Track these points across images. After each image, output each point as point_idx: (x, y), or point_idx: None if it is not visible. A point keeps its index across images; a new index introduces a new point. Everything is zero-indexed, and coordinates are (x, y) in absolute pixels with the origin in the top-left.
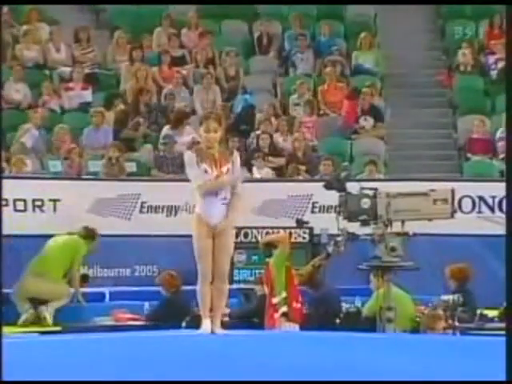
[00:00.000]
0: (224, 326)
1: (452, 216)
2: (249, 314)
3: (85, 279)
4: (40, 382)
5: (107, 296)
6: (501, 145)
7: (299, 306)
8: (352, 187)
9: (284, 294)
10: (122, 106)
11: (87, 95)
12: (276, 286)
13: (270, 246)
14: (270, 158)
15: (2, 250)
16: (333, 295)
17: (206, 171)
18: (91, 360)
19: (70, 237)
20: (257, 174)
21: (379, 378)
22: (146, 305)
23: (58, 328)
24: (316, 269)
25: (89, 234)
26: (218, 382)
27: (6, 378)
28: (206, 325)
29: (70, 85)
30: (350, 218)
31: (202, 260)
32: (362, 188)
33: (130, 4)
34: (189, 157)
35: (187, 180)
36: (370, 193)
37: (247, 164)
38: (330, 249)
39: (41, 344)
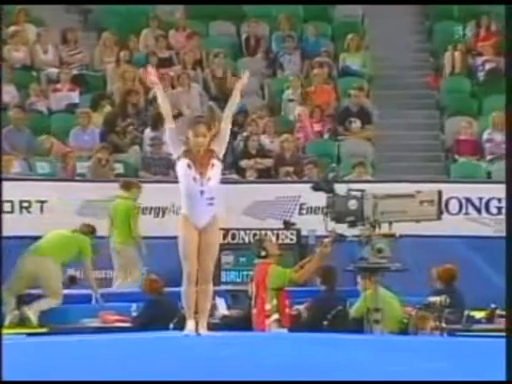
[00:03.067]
0: (213, 327)
1: (439, 218)
2: (241, 320)
3: (72, 281)
4: (39, 381)
5: (94, 297)
6: (488, 146)
7: (288, 310)
8: (339, 188)
9: (275, 302)
10: (109, 108)
11: (74, 97)
12: (269, 294)
13: (261, 246)
14: (258, 160)
15: (1, 251)
16: (338, 296)
17: (188, 166)
18: (78, 361)
19: (74, 235)
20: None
21: (366, 379)
22: (134, 306)
23: (44, 329)
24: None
25: (88, 230)
26: (210, 383)
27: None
28: (191, 325)
29: (58, 86)
30: (338, 219)
31: (188, 261)
32: (350, 189)
33: (117, 4)
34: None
35: (174, 181)
36: (358, 194)
37: (234, 166)
38: (318, 250)
39: (28, 345)
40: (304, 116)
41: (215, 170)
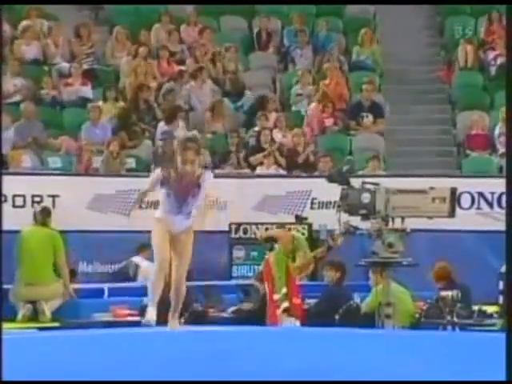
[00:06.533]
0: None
1: (451, 215)
2: (251, 312)
3: (72, 275)
4: (40, 382)
5: (106, 292)
6: (500, 141)
7: (299, 301)
8: (353, 181)
9: (284, 290)
10: (121, 102)
11: (86, 91)
12: (276, 283)
13: (271, 241)
14: (277, 155)
15: (2, 247)
16: (347, 291)
17: (168, 195)
18: (89, 356)
19: (44, 231)
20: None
21: (378, 375)
22: (145, 300)
23: (56, 324)
24: (318, 261)
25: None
26: (214, 382)
27: (5, 375)
28: (152, 313)
29: (69, 80)
30: (351, 211)
31: (159, 256)
32: (364, 182)
33: (128, 4)
34: (156, 174)
35: None
36: (371, 187)
37: (246, 160)
38: (331, 242)
39: (40, 340)
40: (315, 111)
41: (196, 197)
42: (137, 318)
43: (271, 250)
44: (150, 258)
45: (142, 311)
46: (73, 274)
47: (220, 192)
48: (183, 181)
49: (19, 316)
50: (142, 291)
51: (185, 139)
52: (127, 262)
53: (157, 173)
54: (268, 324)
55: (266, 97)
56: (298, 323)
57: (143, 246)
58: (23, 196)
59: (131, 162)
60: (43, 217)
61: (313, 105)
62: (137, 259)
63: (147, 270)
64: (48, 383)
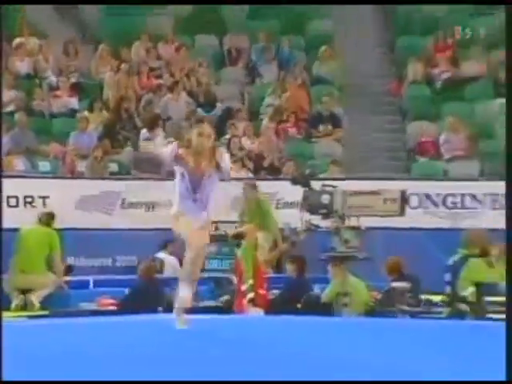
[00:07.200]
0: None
1: (401, 214)
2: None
3: (69, 270)
4: (40, 381)
5: (91, 284)
6: (444, 147)
7: (264, 292)
8: (314, 184)
9: (251, 282)
10: (105, 113)
11: (74, 102)
12: (244, 275)
13: (239, 237)
14: (245, 160)
15: (2, 243)
16: (307, 282)
17: (182, 175)
18: (76, 343)
19: (43, 229)
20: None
21: (336, 360)
22: (126, 291)
23: (45, 312)
24: (282, 254)
25: (51, 218)
26: (212, 382)
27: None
28: (188, 295)
29: (58, 93)
30: (312, 211)
31: (194, 244)
32: (324, 185)
33: (123, 4)
34: (172, 146)
35: (163, 179)
36: (330, 189)
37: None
38: (294, 237)
39: (29, 328)
40: (268, 124)
41: (211, 179)
42: (118, 308)
43: (238, 246)
44: (173, 253)
45: (124, 301)
46: (70, 269)
47: None
48: (198, 157)
49: (13, 306)
50: (124, 283)
51: (201, 116)
52: (151, 258)
53: (172, 146)
54: (235, 313)
55: (232, 108)
56: (262, 312)
57: (167, 242)
58: (16, 197)
59: (114, 166)
60: (47, 219)
61: (264, 121)
62: (161, 255)
63: (172, 264)
64: (48, 383)
